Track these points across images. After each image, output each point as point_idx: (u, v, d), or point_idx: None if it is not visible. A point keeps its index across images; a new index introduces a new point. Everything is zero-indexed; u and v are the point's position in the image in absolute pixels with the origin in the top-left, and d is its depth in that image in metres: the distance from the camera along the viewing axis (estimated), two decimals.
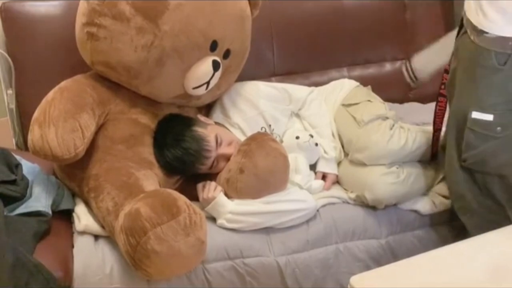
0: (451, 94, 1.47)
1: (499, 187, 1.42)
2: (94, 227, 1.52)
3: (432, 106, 2.19)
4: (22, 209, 1.44)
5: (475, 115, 1.34)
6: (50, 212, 1.47)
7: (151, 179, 1.53)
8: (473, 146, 1.37)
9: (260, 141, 1.59)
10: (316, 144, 1.72)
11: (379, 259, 1.65)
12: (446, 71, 1.53)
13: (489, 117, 1.34)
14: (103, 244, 1.50)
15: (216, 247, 1.52)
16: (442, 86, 1.57)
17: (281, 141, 1.75)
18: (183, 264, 1.41)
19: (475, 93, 1.35)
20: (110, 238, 1.49)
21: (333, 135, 1.80)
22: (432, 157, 1.73)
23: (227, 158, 1.62)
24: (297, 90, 1.86)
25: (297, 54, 2.10)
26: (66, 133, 1.43)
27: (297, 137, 1.72)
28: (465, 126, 1.37)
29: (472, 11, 1.32)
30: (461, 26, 1.42)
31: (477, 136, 1.36)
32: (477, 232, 1.42)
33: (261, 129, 1.75)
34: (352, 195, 1.69)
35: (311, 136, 1.73)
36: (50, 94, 1.52)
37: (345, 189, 1.74)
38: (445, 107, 1.61)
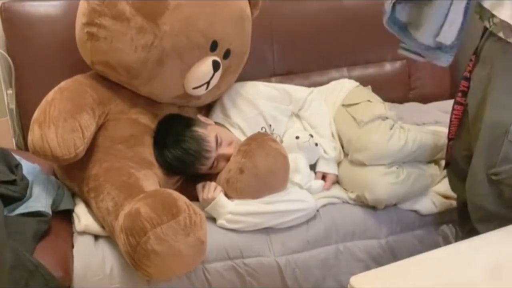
0: (480, 103, 1.40)
1: None
2: (94, 227, 1.52)
3: (432, 106, 2.21)
4: (22, 209, 1.43)
5: None
6: (50, 212, 1.47)
7: (151, 179, 1.53)
8: (511, 160, 1.33)
9: (260, 141, 1.59)
10: (316, 144, 1.72)
11: (379, 259, 1.65)
12: (465, 78, 1.48)
13: None
14: (103, 244, 1.50)
15: (216, 247, 1.52)
16: (460, 94, 1.51)
17: (281, 141, 1.75)
18: (183, 264, 1.41)
19: None
20: (110, 238, 1.49)
21: (333, 135, 1.80)
22: (446, 165, 1.72)
23: (227, 158, 1.62)
24: (297, 91, 1.86)
25: (297, 54, 2.10)
26: (66, 133, 1.43)
27: (297, 137, 1.72)
28: (503, 139, 1.31)
29: (505, 12, 1.23)
30: (485, 30, 1.35)
31: None
32: None
33: (261, 129, 1.75)
34: (352, 195, 1.69)
35: (311, 136, 1.73)
36: (50, 94, 1.52)
37: (345, 189, 1.74)
38: (461, 116, 1.55)
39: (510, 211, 1.40)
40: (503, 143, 1.32)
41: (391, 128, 1.69)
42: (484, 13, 1.30)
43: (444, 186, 1.75)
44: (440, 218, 1.72)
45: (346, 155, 1.76)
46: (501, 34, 1.27)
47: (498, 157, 1.34)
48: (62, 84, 1.56)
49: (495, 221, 1.40)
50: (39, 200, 1.47)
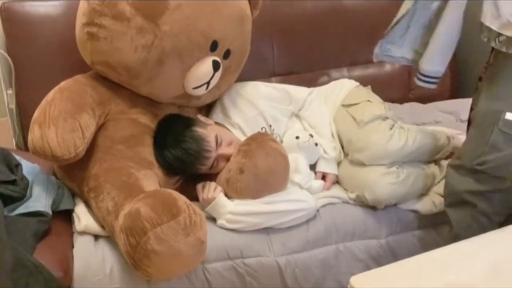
0: (476, 96, 1.45)
1: (505, 196, 1.42)
2: (94, 227, 1.52)
3: (432, 106, 2.21)
4: (22, 209, 1.43)
5: (510, 116, 1.32)
6: (50, 212, 1.47)
7: (151, 179, 1.53)
8: (500, 148, 1.35)
9: (260, 141, 1.59)
10: (316, 144, 1.72)
11: (379, 259, 1.65)
12: (480, 78, 1.51)
13: None
14: (103, 244, 1.50)
15: (216, 247, 1.52)
16: None
17: (281, 141, 1.75)
18: (183, 264, 1.41)
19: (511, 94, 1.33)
20: (110, 238, 1.49)
21: (332, 135, 1.80)
22: None
23: (227, 158, 1.62)
24: (297, 91, 1.86)
25: (297, 54, 2.10)
26: (66, 133, 1.43)
27: (297, 137, 1.72)
28: (493, 128, 1.34)
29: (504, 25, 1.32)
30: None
31: (506, 138, 1.34)
32: (460, 227, 1.44)
33: (261, 129, 1.75)
34: (352, 195, 1.69)
35: (311, 136, 1.73)
36: (50, 94, 1.52)
37: (345, 189, 1.74)
38: None
39: (482, 203, 1.43)
40: (493, 131, 1.35)
41: (391, 128, 1.69)
42: (492, 35, 1.36)
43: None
44: (440, 218, 1.71)
45: (346, 155, 1.76)
46: (504, 49, 1.33)
47: (487, 145, 1.36)
48: (62, 84, 1.56)
49: (465, 209, 1.43)
50: (39, 200, 1.47)
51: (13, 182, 1.45)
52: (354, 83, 1.93)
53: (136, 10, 1.49)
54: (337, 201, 1.70)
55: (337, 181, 1.77)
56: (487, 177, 1.40)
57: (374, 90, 1.94)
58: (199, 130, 1.61)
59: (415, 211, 1.70)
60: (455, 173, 1.47)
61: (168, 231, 1.32)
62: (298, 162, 1.68)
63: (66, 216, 1.57)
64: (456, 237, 1.45)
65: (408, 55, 1.62)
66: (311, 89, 1.90)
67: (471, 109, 1.56)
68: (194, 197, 1.56)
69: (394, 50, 1.63)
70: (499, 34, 1.34)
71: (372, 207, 1.67)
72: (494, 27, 1.35)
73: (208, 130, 1.63)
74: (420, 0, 1.51)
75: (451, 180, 1.48)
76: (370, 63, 2.19)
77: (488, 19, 1.36)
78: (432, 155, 1.80)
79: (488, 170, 1.38)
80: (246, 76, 1.85)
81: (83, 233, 1.52)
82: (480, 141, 1.38)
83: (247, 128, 1.74)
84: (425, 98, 2.24)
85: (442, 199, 1.72)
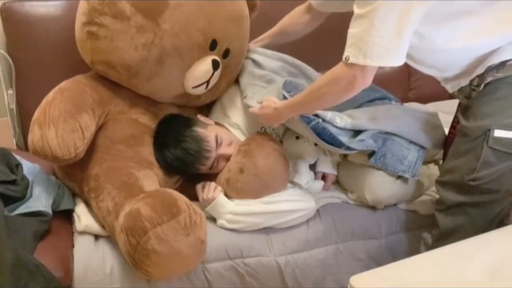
0: (463, 112, 1.46)
1: (499, 206, 1.44)
2: (94, 227, 1.52)
3: (432, 106, 2.21)
4: (22, 209, 1.44)
5: (498, 133, 1.33)
6: (50, 212, 1.47)
7: (151, 179, 1.53)
8: (492, 164, 1.36)
9: (260, 141, 1.59)
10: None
11: (379, 259, 1.65)
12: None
13: None
14: (103, 244, 1.50)
15: (216, 247, 1.52)
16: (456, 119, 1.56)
17: (281, 141, 1.75)
18: (183, 264, 1.41)
19: (500, 111, 1.34)
20: (110, 238, 1.49)
21: None
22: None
23: (227, 158, 1.62)
24: None
25: (297, 54, 2.10)
26: (66, 133, 1.43)
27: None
28: (482, 145, 1.35)
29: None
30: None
31: (497, 155, 1.34)
32: (448, 230, 1.45)
33: (261, 129, 1.75)
34: (352, 195, 1.69)
35: None
36: (50, 94, 1.52)
37: (345, 189, 1.74)
38: None
39: (475, 212, 1.43)
40: (483, 149, 1.36)
41: None
42: (465, 90, 1.42)
43: None
44: None
45: (345, 155, 1.76)
46: (482, 87, 1.37)
47: (478, 162, 1.37)
48: (62, 84, 1.56)
49: (456, 218, 1.45)
50: (40, 200, 1.47)
51: (13, 182, 1.45)
52: None
53: (136, 9, 1.49)
54: (337, 201, 1.70)
55: (337, 181, 1.77)
56: (480, 190, 1.40)
57: None
58: (199, 130, 1.61)
59: (414, 211, 1.70)
60: (446, 189, 1.47)
61: (168, 230, 1.32)
62: (298, 162, 1.68)
63: (66, 216, 1.57)
64: (441, 236, 1.47)
65: None
66: None
67: (455, 119, 1.56)
68: (194, 197, 1.56)
69: None
70: (470, 83, 1.38)
71: (372, 207, 1.67)
72: (463, 83, 1.40)
73: (208, 130, 1.63)
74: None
75: (442, 194, 1.48)
76: None
77: (455, 83, 1.42)
78: (432, 156, 1.80)
79: (482, 186, 1.39)
80: None
81: (83, 233, 1.52)
82: (470, 158, 1.39)
83: (247, 128, 1.74)
84: (425, 98, 2.24)
85: None
